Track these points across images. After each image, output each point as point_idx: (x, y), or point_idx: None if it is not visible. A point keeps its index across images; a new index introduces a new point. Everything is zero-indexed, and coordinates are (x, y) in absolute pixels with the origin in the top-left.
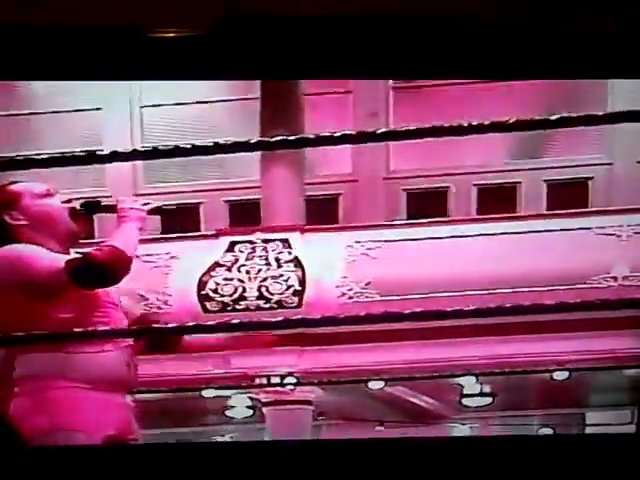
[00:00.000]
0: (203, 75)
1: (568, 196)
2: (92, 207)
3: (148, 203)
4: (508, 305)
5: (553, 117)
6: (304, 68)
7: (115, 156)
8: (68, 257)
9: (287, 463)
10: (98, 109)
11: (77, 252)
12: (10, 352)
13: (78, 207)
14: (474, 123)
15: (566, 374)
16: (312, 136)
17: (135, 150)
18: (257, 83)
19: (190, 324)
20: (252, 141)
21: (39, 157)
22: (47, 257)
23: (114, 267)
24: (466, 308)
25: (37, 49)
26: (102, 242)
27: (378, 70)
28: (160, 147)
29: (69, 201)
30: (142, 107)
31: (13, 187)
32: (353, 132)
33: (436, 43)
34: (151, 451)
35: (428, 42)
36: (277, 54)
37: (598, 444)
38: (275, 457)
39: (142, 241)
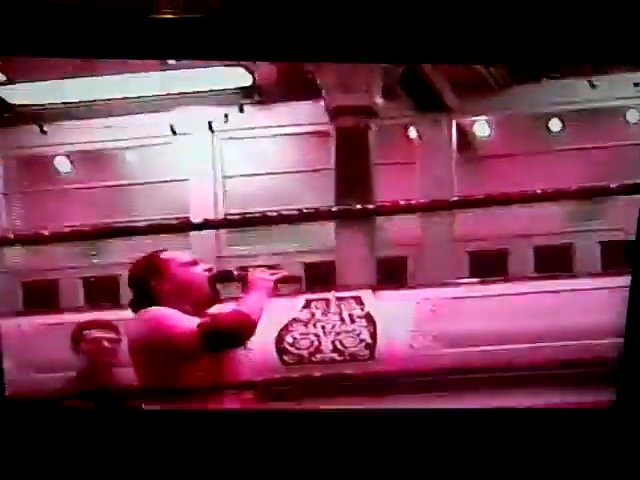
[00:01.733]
0: (211, 55)
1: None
2: (227, 277)
3: (275, 273)
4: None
5: (613, 185)
6: (312, 51)
7: (207, 225)
8: (199, 320)
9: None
10: (185, 180)
11: (207, 314)
12: None
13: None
14: (538, 191)
15: None
16: (388, 204)
17: (225, 218)
18: (332, 155)
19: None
20: (334, 209)
21: (137, 226)
22: (184, 319)
23: (240, 330)
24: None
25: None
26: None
27: (387, 54)
28: (247, 215)
29: (210, 270)
30: (224, 177)
31: (162, 255)
32: (425, 201)
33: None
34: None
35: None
36: (285, 35)
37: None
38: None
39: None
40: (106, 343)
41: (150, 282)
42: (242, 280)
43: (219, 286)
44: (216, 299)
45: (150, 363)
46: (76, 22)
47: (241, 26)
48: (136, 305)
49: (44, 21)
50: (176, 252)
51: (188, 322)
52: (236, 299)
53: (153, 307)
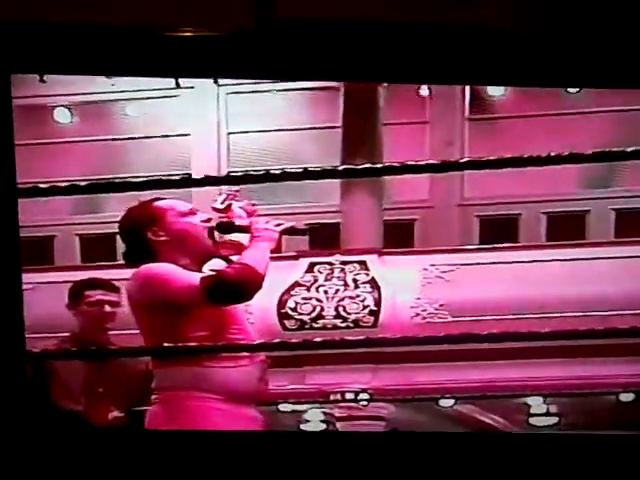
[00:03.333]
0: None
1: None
2: (227, 228)
3: (281, 224)
4: (578, 329)
5: (630, 149)
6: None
7: (209, 181)
8: (202, 275)
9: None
10: (187, 135)
11: (211, 270)
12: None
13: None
14: (552, 154)
15: (632, 396)
16: (397, 165)
17: (228, 175)
18: (339, 113)
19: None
20: (340, 168)
21: (137, 181)
22: (183, 276)
23: (246, 284)
24: (537, 331)
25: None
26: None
27: (413, 75)
28: (251, 172)
29: (209, 220)
30: (229, 133)
31: (158, 204)
32: (437, 162)
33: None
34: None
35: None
36: (315, 56)
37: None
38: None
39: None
40: (108, 307)
41: (145, 232)
42: (244, 231)
43: (218, 238)
44: (216, 252)
45: (151, 321)
46: (97, 39)
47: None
48: (130, 258)
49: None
50: (172, 201)
51: (189, 277)
52: (238, 251)
53: (150, 263)
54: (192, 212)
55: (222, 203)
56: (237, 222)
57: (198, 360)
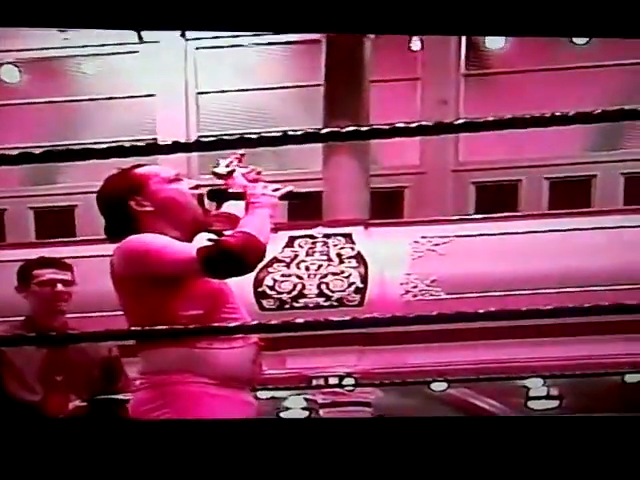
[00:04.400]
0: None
1: None
2: (219, 195)
3: (279, 189)
4: (583, 305)
5: None
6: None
7: (177, 147)
8: (199, 245)
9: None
10: (151, 95)
11: (208, 239)
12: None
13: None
14: (557, 114)
15: (639, 377)
16: (386, 127)
17: (198, 141)
18: (321, 69)
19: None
20: (322, 132)
21: (96, 147)
22: (176, 246)
23: (249, 254)
24: (539, 308)
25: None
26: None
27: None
28: (225, 137)
29: (197, 187)
30: (199, 93)
31: (140, 170)
32: (429, 123)
33: None
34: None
35: None
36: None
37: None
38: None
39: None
40: (60, 286)
41: (129, 202)
42: (239, 198)
43: (209, 206)
44: (207, 222)
45: (138, 299)
46: None
47: None
48: (112, 232)
49: None
50: (155, 167)
51: (184, 247)
52: (232, 224)
53: (137, 234)
54: (178, 178)
55: (226, 166)
56: (230, 190)
57: (189, 341)
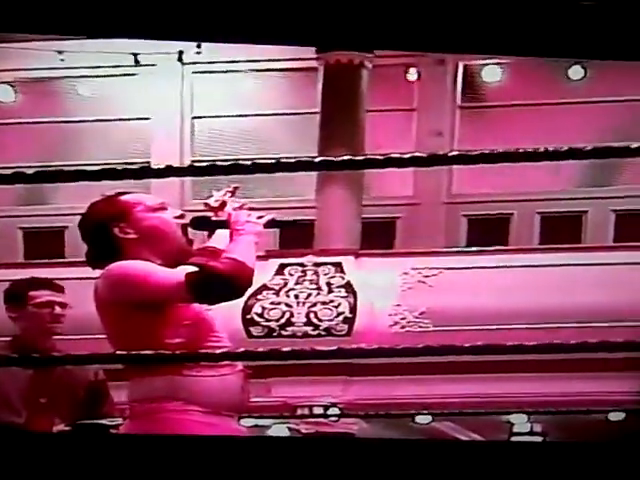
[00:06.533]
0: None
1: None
2: (202, 223)
3: (262, 216)
4: (569, 342)
5: (634, 145)
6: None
7: (170, 171)
8: (187, 270)
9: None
10: (146, 118)
11: (194, 265)
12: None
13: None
14: (550, 149)
15: (622, 415)
16: (380, 157)
17: (192, 165)
18: (317, 96)
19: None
20: (316, 160)
21: (89, 169)
22: (163, 272)
23: (237, 279)
24: (525, 343)
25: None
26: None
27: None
28: (218, 162)
29: (182, 216)
30: (194, 118)
31: (125, 198)
32: (424, 155)
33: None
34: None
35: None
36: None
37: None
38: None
39: None
40: (58, 308)
41: (112, 229)
42: (222, 226)
43: (192, 235)
44: (190, 250)
45: (123, 325)
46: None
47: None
48: (94, 258)
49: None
50: (140, 194)
51: (171, 272)
52: (217, 255)
53: (123, 262)
54: (163, 207)
55: (216, 201)
56: (213, 218)
57: (176, 368)
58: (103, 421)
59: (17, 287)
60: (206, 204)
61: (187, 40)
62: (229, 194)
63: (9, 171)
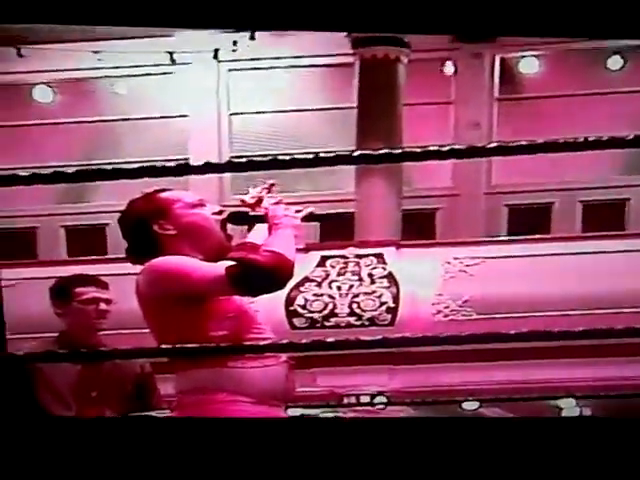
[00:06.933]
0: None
1: None
2: (241, 218)
3: (300, 210)
4: (615, 327)
5: None
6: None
7: (209, 167)
8: (228, 264)
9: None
10: (184, 116)
11: (232, 259)
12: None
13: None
14: (590, 138)
15: None
16: (418, 150)
17: (230, 162)
18: (354, 91)
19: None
20: (355, 154)
21: (128, 167)
22: (204, 265)
23: (277, 271)
24: (570, 329)
25: None
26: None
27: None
28: (256, 158)
29: (220, 212)
30: (231, 114)
31: (164, 195)
32: (462, 147)
33: None
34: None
35: None
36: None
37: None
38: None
39: None
40: (103, 305)
41: (152, 225)
42: (260, 221)
43: (231, 230)
44: (229, 246)
45: (166, 319)
46: None
47: None
48: (135, 254)
49: None
50: (179, 192)
51: (212, 266)
52: (256, 250)
53: (163, 257)
54: (201, 203)
55: (252, 198)
56: (251, 214)
57: (221, 360)
58: (152, 413)
59: (63, 284)
60: (242, 200)
61: (235, 28)
62: (265, 190)
63: (49, 171)
